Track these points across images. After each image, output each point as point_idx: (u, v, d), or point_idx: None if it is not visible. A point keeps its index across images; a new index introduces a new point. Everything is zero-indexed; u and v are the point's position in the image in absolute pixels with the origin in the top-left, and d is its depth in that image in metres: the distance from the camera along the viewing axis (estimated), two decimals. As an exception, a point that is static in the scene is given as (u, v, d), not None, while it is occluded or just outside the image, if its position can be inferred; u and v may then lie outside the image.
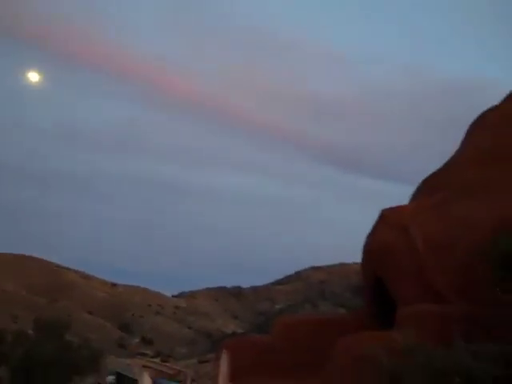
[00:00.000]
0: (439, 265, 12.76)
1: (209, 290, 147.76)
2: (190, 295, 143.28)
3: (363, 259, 15.38)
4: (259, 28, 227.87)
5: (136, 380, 13.34)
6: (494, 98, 16.17)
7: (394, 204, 15.29)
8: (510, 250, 10.85)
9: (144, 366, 15.46)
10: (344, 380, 10.77)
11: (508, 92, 15.99)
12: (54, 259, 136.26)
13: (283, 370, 14.56)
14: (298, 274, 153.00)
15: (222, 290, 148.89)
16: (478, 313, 10.29)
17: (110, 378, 17.38)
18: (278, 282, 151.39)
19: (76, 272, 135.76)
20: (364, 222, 15.28)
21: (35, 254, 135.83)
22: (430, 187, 15.18)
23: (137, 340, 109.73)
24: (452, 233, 12.88)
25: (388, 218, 14.19)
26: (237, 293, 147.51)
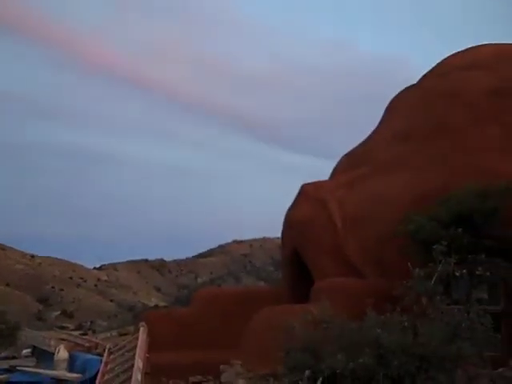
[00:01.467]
0: (355, 239, 13.15)
1: (131, 262, 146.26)
2: (112, 268, 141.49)
3: (283, 233, 15.63)
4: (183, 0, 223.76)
5: (52, 353, 13.16)
6: (414, 77, 16.66)
7: (316, 179, 15.60)
8: (421, 225, 11.29)
9: (61, 339, 15.25)
10: (260, 351, 10.96)
11: (425, 71, 16.46)
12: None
13: (202, 342, 14.68)
14: (221, 247, 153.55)
15: (144, 262, 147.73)
16: (390, 286, 10.64)
17: (26, 351, 17.04)
18: (201, 256, 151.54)
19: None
20: (287, 196, 15.49)
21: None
22: (349, 163, 15.52)
23: (57, 313, 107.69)
24: (368, 208, 13.27)
25: (308, 193, 14.44)
26: (159, 265, 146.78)
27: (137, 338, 11.11)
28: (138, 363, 9.65)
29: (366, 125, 17.03)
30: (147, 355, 10.77)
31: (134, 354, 10.10)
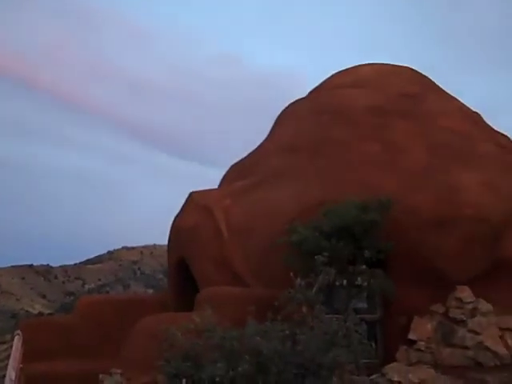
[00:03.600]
0: (241, 249, 13.28)
1: (14, 267, 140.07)
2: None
3: (169, 240, 15.54)
4: (77, 3, 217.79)
5: None
6: (306, 90, 17.10)
7: (206, 187, 15.63)
8: (305, 236, 11.58)
9: None
10: (141, 359, 10.82)
11: (316, 84, 16.94)
12: None
13: (82, 351, 14.30)
14: (110, 253, 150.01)
15: (28, 268, 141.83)
16: (273, 295, 10.83)
17: None
18: (90, 262, 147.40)
19: None
20: (177, 204, 15.43)
21: None
22: (237, 173, 15.68)
23: None
24: (254, 218, 13.46)
25: (195, 201, 14.45)
26: (45, 271, 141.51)
27: (11, 347, 10.69)
28: (11, 374, 9.26)
29: (256, 135, 17.28)
30: (21, 365, 10.37)
31: (7, 365, 9.69)
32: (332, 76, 16.73)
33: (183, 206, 15.01)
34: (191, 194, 14.79)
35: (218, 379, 8.91)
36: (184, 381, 8.49)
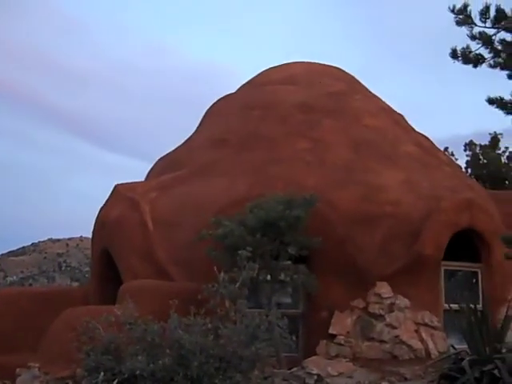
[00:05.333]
0: (165, 242, 13.22)
1: None
2: None
3: (94, 232, 15.31)
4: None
5: None
6: (235, 85, 17.18)
7: (133, 179, 15.48)
8: (230, 230, 11.63)
9: None
10: (61, 353, 10.65)
11: (245, 81, 17.04)
12: None
13: (0, 345, 13.92)
14: (34, 245, 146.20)
15: None
16: (197, 289, 10.85)
17: None
18: (13, 253, 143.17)
19: None
20: (105, 196, 15.20)
21: None
22: (165, 166, 15.59)
23: None
24: (180, 212, 13.43)
25: (121, 193, 14.27)
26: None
27: None
28: None
29: (186, 128, 17.22)
30: None
31: None
32: (262, 72, 16.87)
33: (108, 198, 14.80)
34: (116, 186, 14.60)
35: (138, 372, 8.85)
36: (102, 374, 8.38)
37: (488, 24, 8.93)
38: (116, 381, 8.61)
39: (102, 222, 14.65)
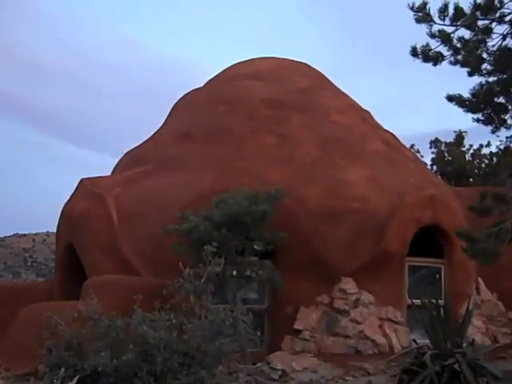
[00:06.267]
0: (131, 237, 13.14)
1: None
2: None
3: (58, 227, 15.14)
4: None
5: None
6: (203, 80, 17.10)
7: (99, 174, 15.33)
8: (196, 225, 11.59)
9: None
10: (22, 349, 10.52)
11: (212, 75, 16.98)
12: None
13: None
14: (0, 240, 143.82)
15: None
16: (162, 284, 10.79)
17: None
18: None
19: None
20: (70, 190, 15.02)
21: None
22: (131, 161, 15.47)
23: None
24: (145, 206, 13.34)
25: (86, 188, 14.13)
26: None
27: None
28: None
29: (152, 123, 17.12)
30: None
31: None
32: (230, 67, 16.83)
33: (73, 192, 14.64)
34: (82, 181, 14.45)
35: (100, 368, 8.79)
36: (63, 370, 8.30)
37: (447, 22, 8.99)
38: (77, 377, 8.53)
39: (67, 216, 14.49)
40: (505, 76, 8.90)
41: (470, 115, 9.43)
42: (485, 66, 9.01)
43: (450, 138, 24.76)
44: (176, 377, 9.00)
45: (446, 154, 24.49)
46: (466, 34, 9.02)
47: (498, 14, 8.83)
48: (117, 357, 8.96)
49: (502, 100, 9.22)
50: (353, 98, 16.54)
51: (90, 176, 14.81)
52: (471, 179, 23.76)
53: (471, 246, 9.58)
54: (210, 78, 16.92)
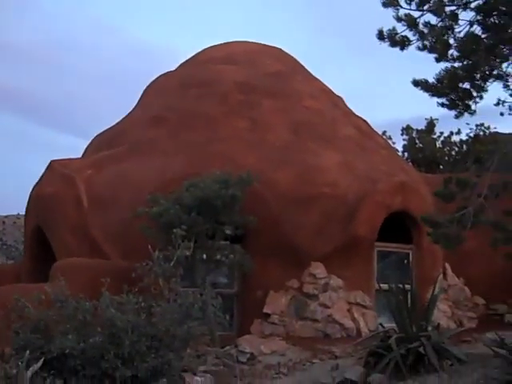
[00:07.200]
0: (100, 219, 13.05)
1: None
2: None
3: (27, 209, 14.99)
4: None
5: None
6: (177, 63, 16.95)
7: (69, 156, 15.17)
8: (166, 208, 11.57)
9: None
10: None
11: (185, 59, 16.87)
12: None
13: None
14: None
15: None
16: (131, 267, 10.78)
17: None
18: None
19: None
20: (40, 172, 14.85)
21: None
22: (102, 143, 15.33)
23: None
24: (116, 189, 13.26)
25: (56, 170, 13.99)
26: None
27: None
28: None
29: (125, 106, 16.96)
30: None
31: None
32: (202, 51, 16.69)
33: (43, 174, 14.49)
34: (51, 163, 14.29)
35: (67, 351, 8.78)
36: (27, 352, 8.26)
37: (413, 6, 8.99)
38: (43, 359, 8.50)
39: (36, 198, 14.35)
40: (470, 62, 8.93)
41: (435, 100, 9.45)
42: (451, 51, 9.03)
43: (422, 126, 24.94)
44: (144, 359, 9.02)
45: (417, 141, 24.66)
46: (432, 19, 9.02)
47: (463, 0, 8.85)
48: (84, 339, 8.97)
49: (466, 86, 9.27)
50: (326, 83, 16.54)
51: (60, 158, 14.70)
52: (441, 166, 23.99)
53: (435, 231, 9.69)
54: (183, 61, 16.78)
